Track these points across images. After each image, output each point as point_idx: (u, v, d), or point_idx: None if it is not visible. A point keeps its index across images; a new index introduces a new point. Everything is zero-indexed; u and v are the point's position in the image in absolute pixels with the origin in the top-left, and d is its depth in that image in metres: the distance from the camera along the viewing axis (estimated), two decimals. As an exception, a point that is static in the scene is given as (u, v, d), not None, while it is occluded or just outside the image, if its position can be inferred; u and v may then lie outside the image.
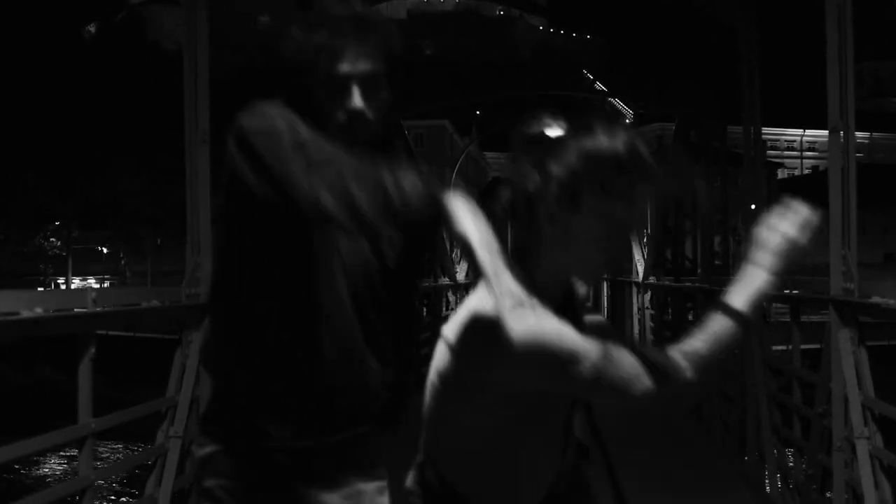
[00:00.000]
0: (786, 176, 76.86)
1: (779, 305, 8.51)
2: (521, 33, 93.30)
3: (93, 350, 4.36)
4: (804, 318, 6.67)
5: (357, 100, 2.23)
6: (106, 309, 4.50)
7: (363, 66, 2.23)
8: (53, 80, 47.05)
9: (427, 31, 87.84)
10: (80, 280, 57.04)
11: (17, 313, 3.93)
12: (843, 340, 5.26)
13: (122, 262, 51.97)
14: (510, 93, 16.96)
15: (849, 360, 5.24)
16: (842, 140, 5.27)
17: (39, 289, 49.89)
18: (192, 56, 5.80)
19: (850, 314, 5.24)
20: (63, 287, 52.29)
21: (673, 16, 14.66)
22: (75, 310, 4.29)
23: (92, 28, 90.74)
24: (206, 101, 5.84)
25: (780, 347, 8.75)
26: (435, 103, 15.07)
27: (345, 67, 2.22)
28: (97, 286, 57.75)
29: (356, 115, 2.23)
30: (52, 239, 45.91)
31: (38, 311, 4.03)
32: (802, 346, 6.65)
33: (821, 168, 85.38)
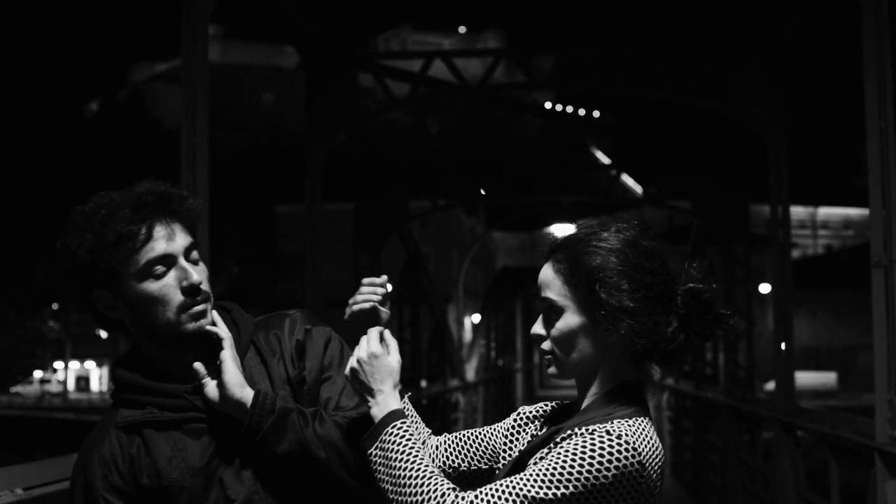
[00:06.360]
0: (798, 255, 75.62)
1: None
2: (528, 118, 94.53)
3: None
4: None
5: (192, 274, 2.15)
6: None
7: (181, 241, 2.16)
8: (54, 159, 47.03)
9: (433, 111, 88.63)
10: (79, 363, 56.56)
11: None
12: (892, 494, 4.91)
13: (120, 345, 51.59)
14: (518, 192, 16.91)
15: (898, 512, 4.90)
16: (884, 277, 4.98)
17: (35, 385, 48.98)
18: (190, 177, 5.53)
19: (898, 465, 4.90)
20: (61, 368, 51.94)
21: (695, 119, 14.51)
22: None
23: (94, 106, 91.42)
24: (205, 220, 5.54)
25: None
26: (448, 200, 14.95)
27: (161, 246, 2.12)
28: (97, 369, 57.43)
29: (194, 288, 2.15)
30: (50, 322, 45.51)
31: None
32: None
33: (835, 248, 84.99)
